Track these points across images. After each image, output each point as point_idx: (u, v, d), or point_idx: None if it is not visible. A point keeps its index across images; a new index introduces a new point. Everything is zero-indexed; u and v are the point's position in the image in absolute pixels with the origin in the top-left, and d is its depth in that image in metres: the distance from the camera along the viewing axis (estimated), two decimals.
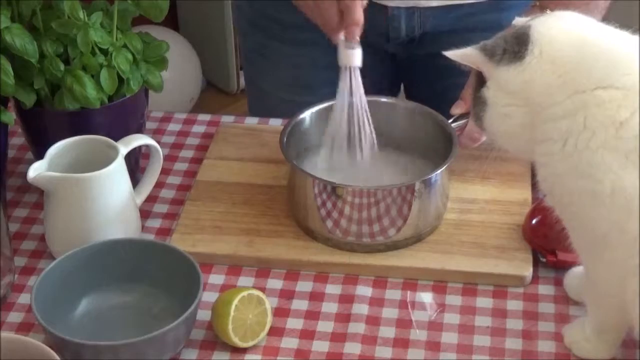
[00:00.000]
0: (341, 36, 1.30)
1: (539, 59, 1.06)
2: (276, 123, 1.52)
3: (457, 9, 1.53)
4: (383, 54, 1.60)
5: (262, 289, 1.23)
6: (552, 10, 1.32)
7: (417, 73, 1.64)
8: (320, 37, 1.47)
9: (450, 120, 1.36)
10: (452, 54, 1.12)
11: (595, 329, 1.14)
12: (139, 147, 1.35)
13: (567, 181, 1.06)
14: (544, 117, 1.06)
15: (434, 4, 1.52)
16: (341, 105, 1.32)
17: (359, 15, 1.27)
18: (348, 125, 1.33)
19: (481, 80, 1.12)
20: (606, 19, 1.17)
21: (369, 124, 1.32)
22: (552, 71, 1.05)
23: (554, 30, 1.08)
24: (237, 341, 1.16)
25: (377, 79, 1.63)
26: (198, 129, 1.54)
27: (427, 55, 1.59)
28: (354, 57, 1.30)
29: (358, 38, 1.29)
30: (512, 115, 1.09)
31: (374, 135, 1.33)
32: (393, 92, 1.68)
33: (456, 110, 1.37)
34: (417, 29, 1.56)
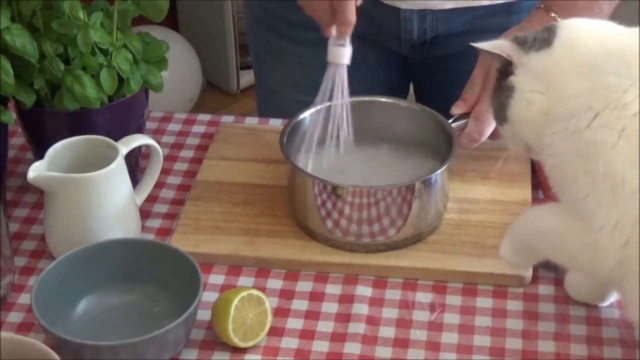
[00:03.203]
0: (333, 32, 1.30)
1: (564, 43, 1.11)
2: (276, 123, 1.52)
3: (469, 11, 1.53)
4: (394, 56, 1.60)
5: (262, 289, 1.23)
6: (556, 12, 1.33)
7: (428, 75, 1.64)
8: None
9: (450, 120, 1.36)
10: (482, 45, 1.16)
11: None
12: (139, 147, 1.35)
13: (566, 161, 1.08)
14: (556, 99, 1.10)
15: (447, 6, 1.52)
16: (321, 101, 1.33)
17: (350, 14, 1.27)
18: (326, 123, 1.33)
19: (505, 73, 1.15)
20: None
21: (348, 125, 1.33)
22: (572, 58, 1.10)
23: (580, 24, 1.14)
24: (237, 341, 1.16)
25: (387, 80, 1.63)
26: (198, 129, 1.54)
27: (439, 57, 1.59)
28: (341, 55, 1.30)
29: (348, 37, 1.29)
30: (534, 102, 1.12)
31: (352, 137, 1.34)
32: (402, 93, 1.68)
33: (456, 110, 1.37)
34: (429, 31, 1.55)
